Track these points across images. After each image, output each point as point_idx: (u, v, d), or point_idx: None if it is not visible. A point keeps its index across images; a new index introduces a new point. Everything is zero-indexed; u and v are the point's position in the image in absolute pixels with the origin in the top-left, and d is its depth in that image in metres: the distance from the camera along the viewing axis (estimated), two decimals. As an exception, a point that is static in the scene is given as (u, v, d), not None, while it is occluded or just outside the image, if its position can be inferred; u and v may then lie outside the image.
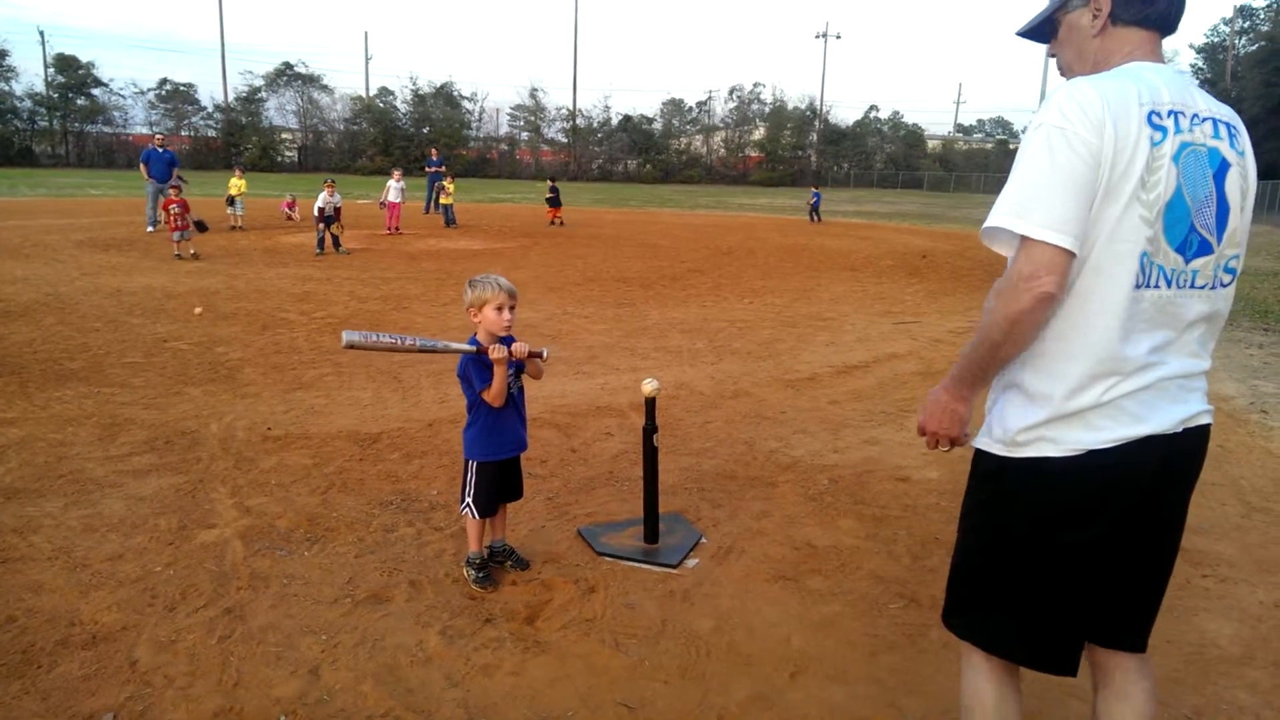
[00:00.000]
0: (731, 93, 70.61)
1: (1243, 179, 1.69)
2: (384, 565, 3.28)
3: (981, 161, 68.84)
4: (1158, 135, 1.57)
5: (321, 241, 13.74)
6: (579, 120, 67.65)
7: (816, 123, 69.27)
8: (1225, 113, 1.70)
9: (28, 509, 3.70)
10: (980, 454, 1.79)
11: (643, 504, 3.50)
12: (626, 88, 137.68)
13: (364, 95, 66.37)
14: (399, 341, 2.87)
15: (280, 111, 63.98)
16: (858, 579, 3.29)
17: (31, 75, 68.09)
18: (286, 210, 19.50)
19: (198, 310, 7.44)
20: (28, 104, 57.00)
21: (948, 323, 8.93)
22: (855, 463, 4.59)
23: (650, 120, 69.05)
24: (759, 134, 69.31)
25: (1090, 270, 1.59)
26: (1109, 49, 1.73)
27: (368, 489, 4.04)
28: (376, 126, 62.81)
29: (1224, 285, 1.71)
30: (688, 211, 30.58)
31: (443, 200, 20.02)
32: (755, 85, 73.06)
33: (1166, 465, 1.69)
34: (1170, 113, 1.60)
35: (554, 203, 21.28)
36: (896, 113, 74.85)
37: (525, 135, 69.28)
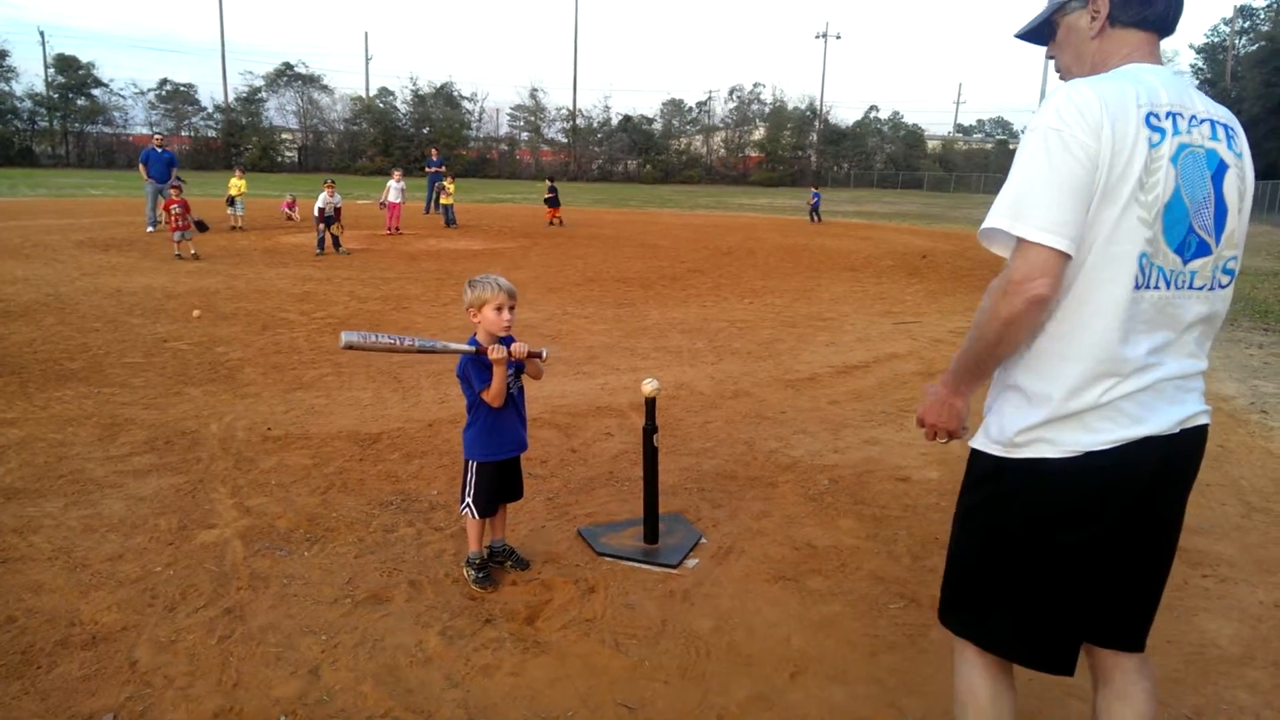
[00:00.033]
0: (731, 93, 70.73)
1: (1240, 180, 1.69)
2: (384, 565, 3.28)
3: (981, 162, 68.85)
4: (1156, 137, 1.58)
5: (321, 242, 13.74)
6: (579, 120, 67.68)
7: (816, 123, 69.29)
8: (1223, 114, 1.70)
9: (28, 509, 3.70)
10: (977, 454, 1.79)
11: (643, 504, 3.50)
12: (626, 88, 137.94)
13: (364, 95, 66.47)
14: (398, 342, 2.87)
15: (280, 112, 64.13)
16: (858, 579, 3.29)
17: (31, 75, 68.18)
18: (286, 210, 19.50)
19: (196, 313, 7.45)
20: (28, 104, 57.10)
21: (948, 323, 8.93)
22: (855, 463, 4.59)
23: (650, 120, 69.11)
24: (759, 134, 69.33)
25: (1089, 271, 1.59)
26: (1107, 50, 1.73)
27: (368, 489, 4.04)
28: (376, 127, 62.83)
29: (1222, 286, 1.71)
30: (688, 212, 30.59)
31: (443, 200, 20.02)
32: (755, 85, 73.17)
33: (1164, 466, 1.69)
34: (1168, 114, 1.60)
35: (553, 203, 21.28)
36: (896, 113, 74.99)
37: (525, 135, 69.31)
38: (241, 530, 3.55)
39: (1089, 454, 1.63)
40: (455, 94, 66.09)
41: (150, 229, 15.89)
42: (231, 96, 62.28)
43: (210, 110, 62.70)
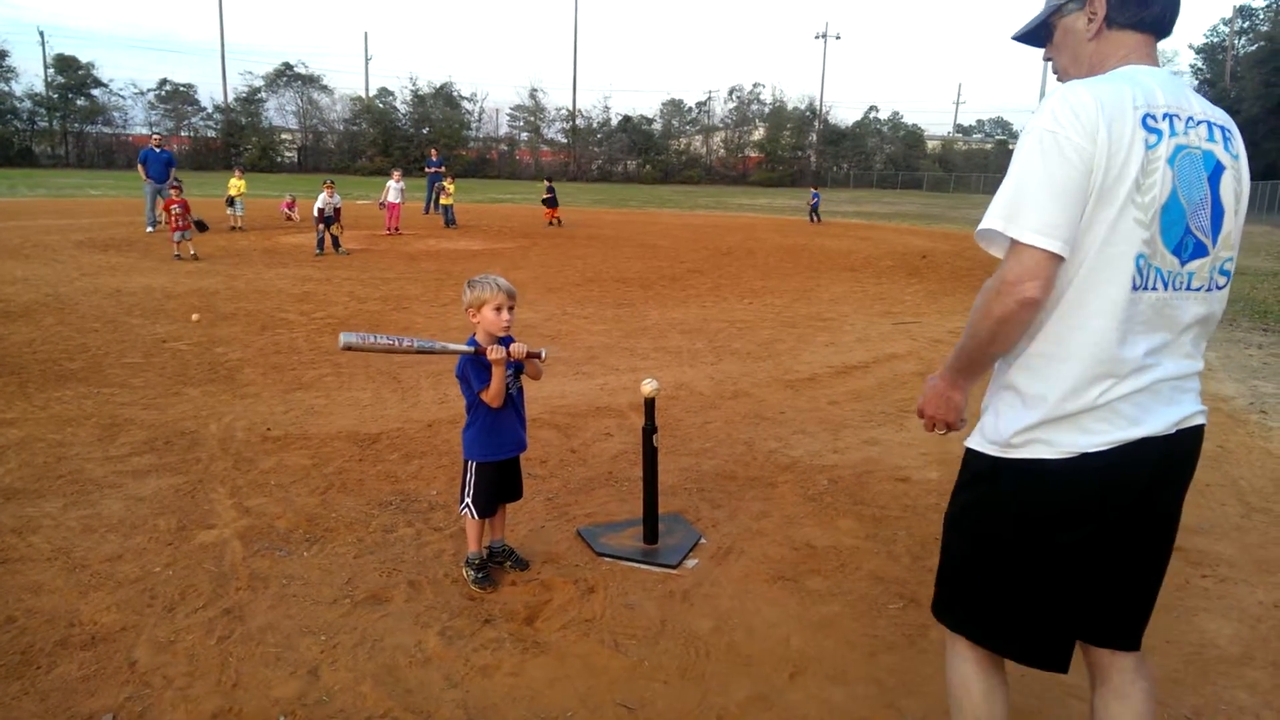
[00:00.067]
0: (731, 93, 70.75)
1: (1237, 182, 1.70)
2: (383, 566, 3.28)
3: (981, 162, 68.89)
4: (1152, 138, 1.58)
5: (321, 242, 13.74)
6: (579, 121, 67.69)
7: (816, 123, 69.30)
8: (1220, 116, 1.71)
9: (27, 509, 3.70)
10: (972, 453, 1.80)
11: (642, 504, 3.50)
12: (626, 88, 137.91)
13: (364, 96, 66.47)
14: (397, 343, 2.87)
15: (280, 112, 64.12)
16: (857, 579, 3.29)
17: (31, 76, 68.25)
18: (286, 211, 19.50)
19: (195, 317, 7.44)
20: (27, 104, 57.08)
21: (947, 323, 8.93)
22: (855, 463, 4.59)
23: (650, 121, 69.12)
24: (759, 134, 69.34)
25: (1087, 273, 1.59)
26: (1104, 52, 1.74)
27: (367, 489, 4.04)
28: (376, 127, 62.83)
29: (1219, 288, 1.72)
30: (687, 212, 30.59)
31: (443, 201, 20.03)
32: (755, 85, 73.25)
33: (1161, 467, 1.69)
34: (1165, 115, 1.61)
35: (551, 203, 21.28)
36: (896, 113, 75.00)
37: (525, 136, 69.32)
38: (241, 530, 3.55)
39: (1085, 455, 1.63)
40: (455, 94, 66.13)
41: (150, 229, 15.89)
42: (231, 97, 62.38)
43: (210, 110, 62.78)
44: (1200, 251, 1.66)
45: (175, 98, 61.62)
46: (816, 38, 72.39)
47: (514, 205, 29.67)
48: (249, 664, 2.62)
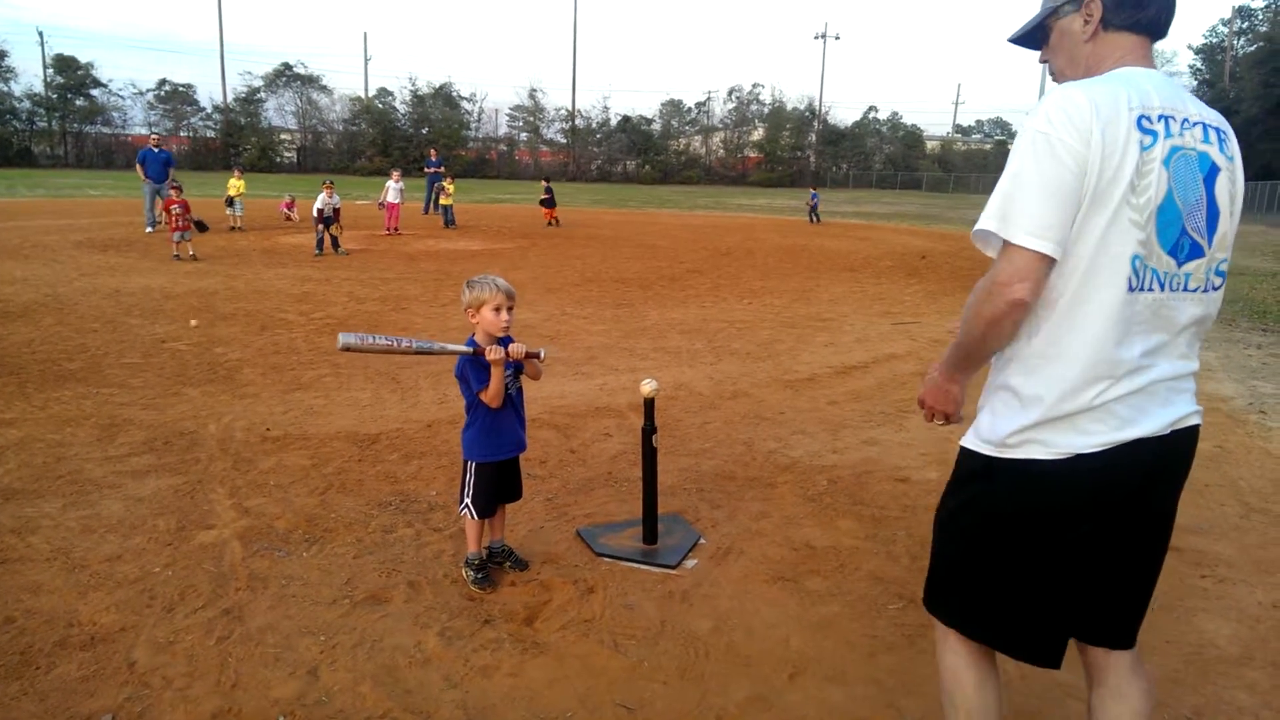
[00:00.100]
0: (730, 93, 70.78)
1: (1231, 183, 1.71)
2: (382, 566, 3.28)
3: (980, 162, 68.91)
4: (1147, 139, 1.59)
5: (320, 242, 13.74)
6: (578, 121, 67.69)
7: (815, 123, 69.32)
8: (1215, 118, 1.72)
9: (26, 510, 3.70)
10: (967, 452, 1.81)
11: (641, 505, 3.50)
12: (625, 88, 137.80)
13: (363, 96, 66.43)
14: (395, 343, 2.87)
15: (279, 112, 64.08)
16: (857, 580, 3.29)
17: (30, 76, 68.32)
18: (285, 211, 19.49)
19: (194, 323, 7.43)
20: (26, 104, 57.01)
21: (947, 323, 8.93)
22: (854, 463, 4.59)
23: (649, 121, 69.12)
24: (758, 135, 69.35)
25: (1083, 274, 1.60)
26: (1100, 54, 1.75)
27: (366, 490, 4.04)
28: (375, 127, 62.80)
29: (1215, 289, 1.73)
30: (686, 212, 30.60)
31: (443, 201, 20.02)
32: (754, 86, 73.31)
33: (1155, 467, 1.70)
34: (1161, 117, 1.62)
35: (549, 203, 21.28)
36: (895, 113, 75.04)
37: (524, 136, 69.30)
38: (240, 531, 3.54)
39: (1080, 456, 1.64)
40: (454, 94, 66.12)
41: (149, 229, 15.88)
42: (230, 97, 62.34)
43: (209, 111, 62.72)
44: (1197, 253, 1.67)
45: (174, 98, 61.58)
46: (816, 38, 72.47)
47: (513, 205, 29.66)
48: (248, 664, 2.62)
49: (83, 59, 58.51)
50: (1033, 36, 1.89)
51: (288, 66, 63.51)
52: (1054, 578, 1.73)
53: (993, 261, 1.65)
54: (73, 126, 58.50)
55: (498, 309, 2.95)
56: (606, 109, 69.04)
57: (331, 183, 14.31)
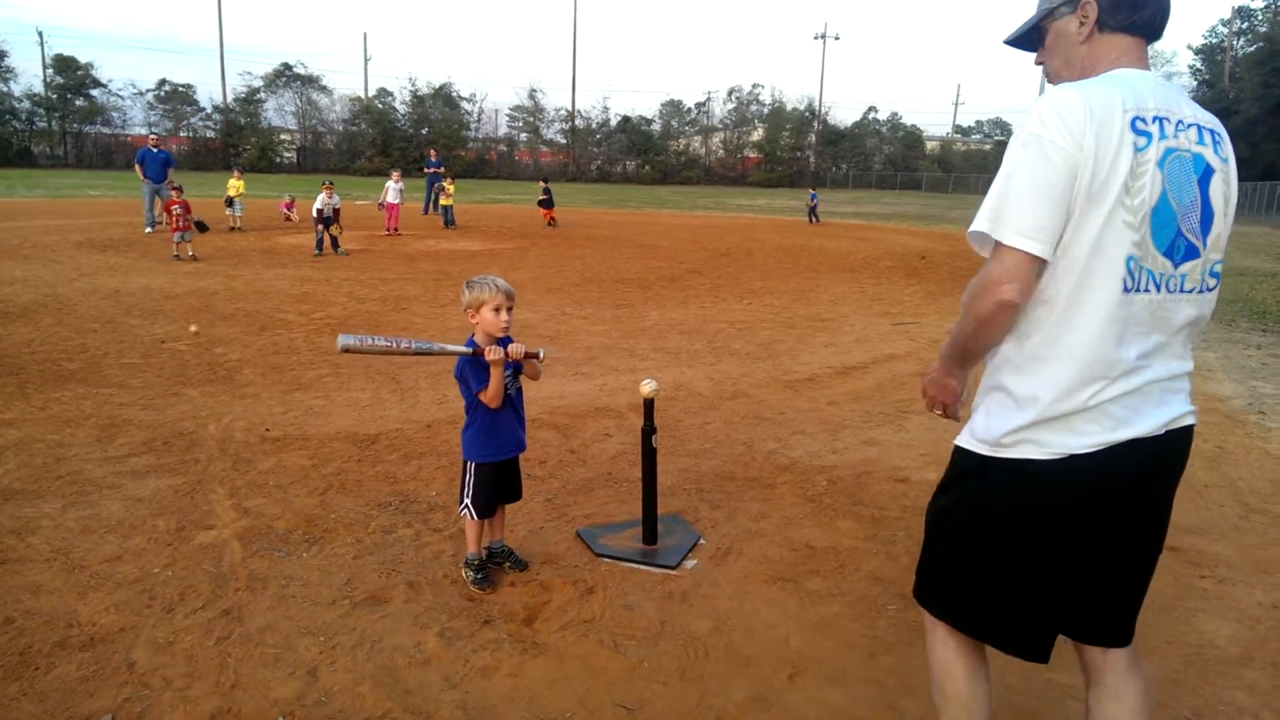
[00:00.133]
0: (730, 94, 70.78)
1: (1226, 185, 1.71)
2: (382, 566, 3.28)
3: (980, 163, 68.91)
4: (1141, 141, 1.60)
5: (320, 242, 13.74)
6: (578, 121, 67.68)
7: (815, 124, 69.32)
8: (1209, 120, 1.73)
9: (26, 510, 3.70)
10: (961, 451, 1.83)
11: (641, 505, 3.50)
12: (625, 89, 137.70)
13: (363, 96, 66.42)
14: (394, 344, 2.87)
15: (279, 112, 64.09)
16: (856, 580, 3.29)
17: (30, 76, 68.32)
18: (285, 211, 19.50)
19: (193, 328, 7.42)
20: (26, 105, 57.00)
21: (946, 323, 8.93)
22: (854, 464, 4.59)
23: (649, 121, 69.11)
24: (757, 135, 69.35)
25: (1079, 275, 1.61)
26: (1096, 55, 1.75)
27: (366, 490, 4.04)
28: (375, 127, 62.81)
29: (1209, 289, 1.74)
30: (686, 212, 30.60)
31: (443, 201, 20.03)
32: (754, 86, 73.33)
33: (1149, 467, 1.71)
34: (1155, 118, 1.62)
35: (547, 204, 21.26)
36: (895, 114, 75.05)
37: (524, 136, 69.30)
38: (240, 531, 3.54)
39: (1074, 456, 1.65)
40: (454, 95, 66.12)
41: (148, 229, 15.88)
42: (230, 97, 62.34)
43: (209, 111, 62.72)
44: (1192, 254, 1.68)
45: (174, 98, 61.57)
46: (815, 38, 72.43)
47: (513, 206, 29.66)
48: (248, 665, 2.62)
49: (82, 59, 58.61)
50: (1029, 38, 1.90)
51: (287, 67, 63.55)
52: (1044, 575, 1.74)
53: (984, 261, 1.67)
54: (72, 127, 58.50)
55: (497, 309, 2.95)
56: (606, 109, 69.16)
57: (331, 183, 14.32)
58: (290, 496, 3.93)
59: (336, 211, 13.89)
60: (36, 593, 3.01)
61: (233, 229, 16.94)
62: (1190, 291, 1.69)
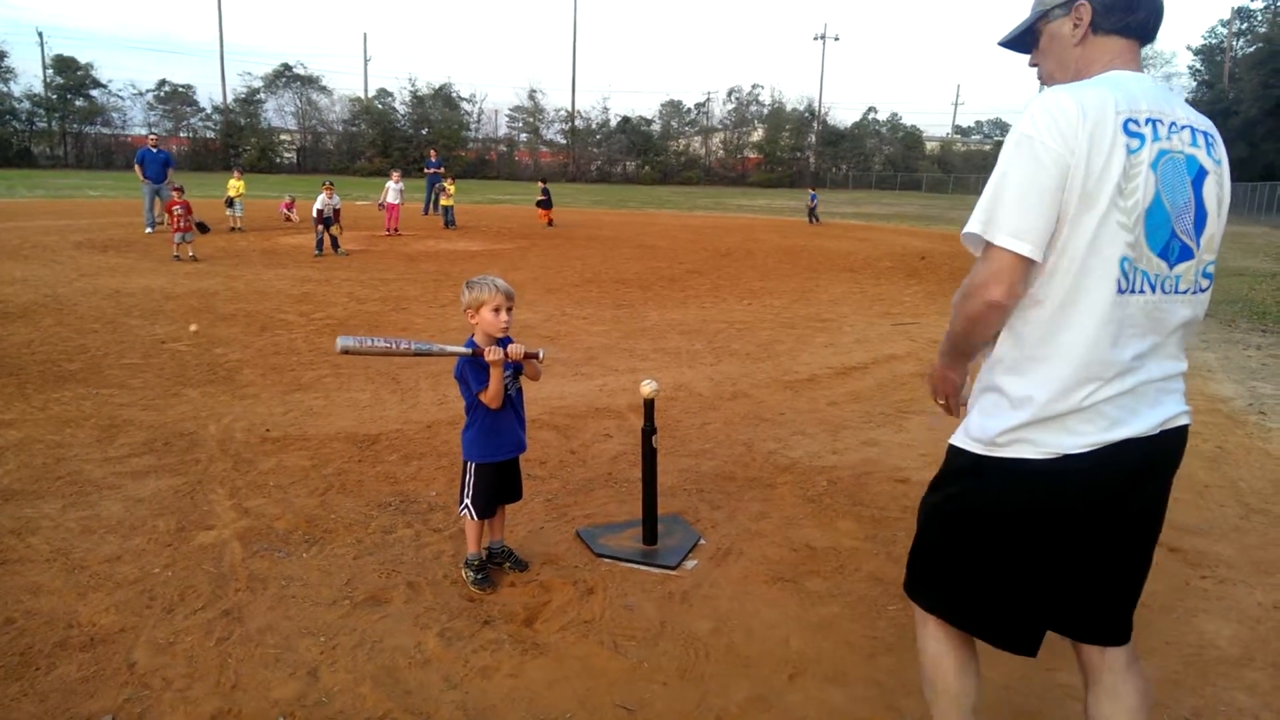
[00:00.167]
0: (730, 94, 70.85)
1: (1219, 186, 1.72)
2: (382, 567, 3.28)
3: (980, 163, 68.86)
4: (1134, 143, 1.60)
5: (320, 243, 13.74)
6: (578, 121, 67.70)
7: (815, 124, 69.34)
8: (1203, 122, 1.74)
9: (26, 510, 3.70)
10: (956, 450, 1.85)
11: (641, 505, 3.50)
12: (625, 89, 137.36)
13: (363, 97, 66.44)
14: (394, 345, 2.87)
15: (279, 113, 64.12)
16: (856, 580, 3.29)
17: (30, 76, 68.29)
18: (285, 211, 19.50)
19: (193, 328, 7.43)
20: (26, 105, 57.01)
21: (946, 323, 8.91)
22: (854, 464, 4.59)
23: (649, 122, 69.15)
24: (757, 135, 69.37)
25: (1074, 276, 1.62)
26: (1090, 57, 1.76)
27: (366, 490, 4.04)
28: (375, 128, 62.83)
29: (1202, 290, 1.75)
30: (686, 213, 30.60)
31: (443, 202, 20.03)
32: (754, 87, 73.50)
33: (1143, 466, 1.72)
34: (1148, 120, 1.63)
35: (545, 204, 21.25)
36: (895, 114, 75.11)
37: (524, 137, 69.33)
38: (240, 532, 3.54)
39: (1068, 456, 1.67)
40: (454, 95, 66.14)
41: (149, 230, 15.88)
42: (230, 97, 62.36)
43: (209, 111, 62.74)
44: (1186, 255, 1.69)
45: (174, 98, 61.58)
46: (815, 39, 72.46)
47: (513, 206, 29.67)
48: (248, 665, 2.62)
49: (82, 59, 58.62)
50: (1023, 40, 1.91)
51: (287, 67, 63.57)
52: (1035, 571, 1.76)
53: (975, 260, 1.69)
54: (72, 127, 58.51)
55: (497, 310, 2.95)
56: (606, 110, 69.23)
57: (331, 183, 14.32)
58: (290, 497, 3.93)
59: (337, 212, 13.89)
60: (37, 593, 3.01)
61: (233, 229, 16.94)
62: (1185, 292, 1.70)
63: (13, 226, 16.40)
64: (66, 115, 57.63)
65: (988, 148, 74.99)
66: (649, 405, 3.43)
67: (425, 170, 22.39)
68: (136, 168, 16.45)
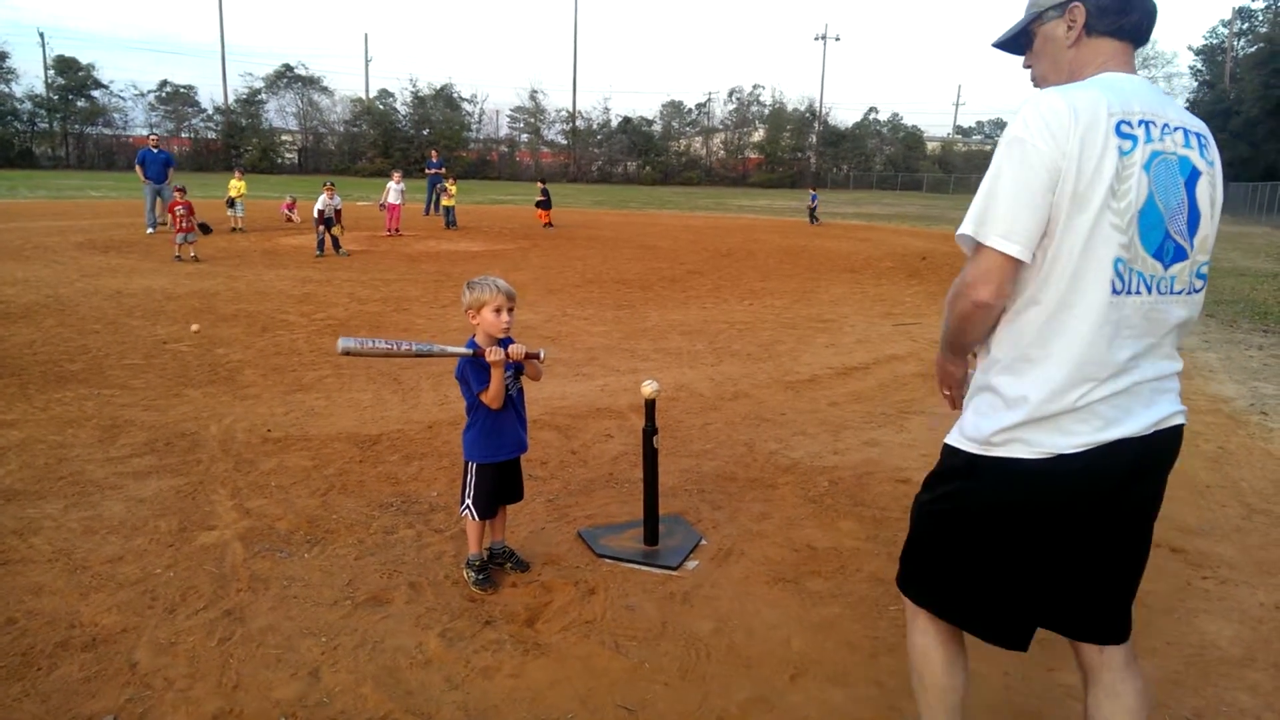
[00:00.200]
0: (731, 94, 70.82)
1: (1212, 187, 1.73)
2: (384, 567, 3.28)
3: (980, 163, 68.61)
4: (1127, 144, 1.61)
5: (321, 243, 13.75)
6: (579, 122, 67.71)
7: (816, 124, 69.32)
8: (1196, 124, 1.74)
9: (28, 511, 3.70)
10: (950, 449, 1.85)
11: (643, 506, 3.50)
12: (626, 89, 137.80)
13: (364, 97, 66.50)
14: (395, 346, 2.87)
15: (280, 113, 64.17)
16: (858, 581, 3.29)
17: (31, 77, 67.94)
18: (286, 212, 19.52)
19: (194, 328, 7.43)
20: (28, 106, 57.06)
21: (947, 324, 8.92)
22: (855, 464, 4.59)
23: (650, 122, 69.16)
24: (758, 136, 69.36)
25: (1069, 278, 1.63)
26: (1083, 59, 1.77)
27: (367, 491, 4.04)
28: (376, 128, 62.88)
29: (1196, 290, 1.76)
30: (687, 213, 30.60)
31: (445, 202, 20.04)
32: (755, 87, 73.32)
33: (1137, 466, 1.73)
34: (1141, 122, 1.64)
35: (544, 205, 21.24)
36: (896, 114, 75.05)
37: (525, 137, 69.36)
38: (241, 532, 3.55)
39: (1062, 456, 1.68)
40: (455, 96, 66.18)
41: (150, 230, 15.90)
42: (231, 98, 62.41)
43: (210, 112, 62.80)
44: (1180, 255, 1.70)
45: (175, 99, 61.65)
46: (816, 39, 72.66)
47: (514, 207, 29.68)
48: (250, 665, 2.62)
49: (84, 60, 58.69)
50: (1017, 42, 1.92)
51: (288, 68, 63.61)
52: (1027, 568, 1.77)
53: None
54: (74, 128, 58.55)
55: (498, 310, 2.96)
56: (607, 110, 69.34)
57: (332, 184, 14.33)
58: (292, 497, 3.93)
59: (338, 212, 13.91)
60: (39, 593, 3.02)
61: (234, 230, 16.96)
62: (1180, 293, 1.71)
63: (15, 227, 16.42)
64: (68, 116, 57.68)
65: (989, 148, 74.77)
66: (650, 406, 3.43)
67: (426, 171, 22.40)
68: (138, 168, 16.47)
